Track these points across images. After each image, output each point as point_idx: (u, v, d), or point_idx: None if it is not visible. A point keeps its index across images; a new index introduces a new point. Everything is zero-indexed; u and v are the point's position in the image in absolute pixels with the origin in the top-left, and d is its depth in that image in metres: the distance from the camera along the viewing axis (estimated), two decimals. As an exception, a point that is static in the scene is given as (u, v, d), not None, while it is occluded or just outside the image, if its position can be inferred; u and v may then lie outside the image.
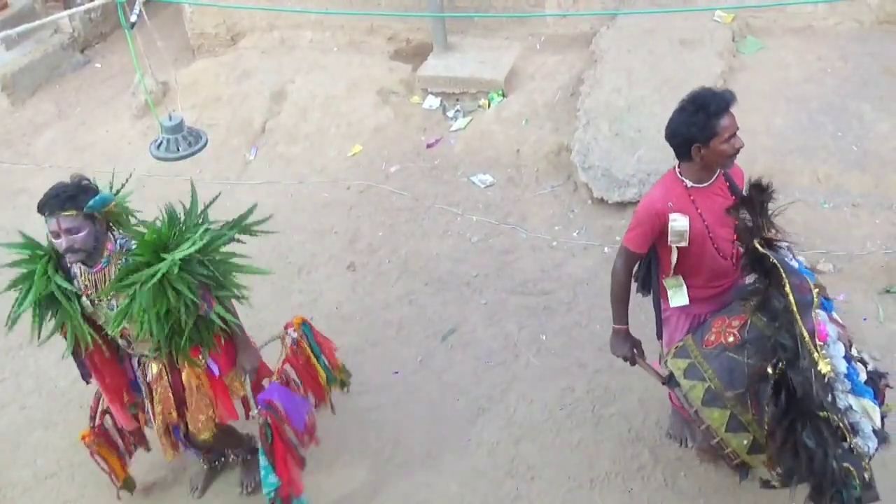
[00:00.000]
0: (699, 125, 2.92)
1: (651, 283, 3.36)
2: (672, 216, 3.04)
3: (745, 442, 2.97)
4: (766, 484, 3.14)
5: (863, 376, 2.86)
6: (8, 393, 4.64)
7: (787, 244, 2.95)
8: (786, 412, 2.77)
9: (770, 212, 2.93)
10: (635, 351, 3.43)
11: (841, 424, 2.73)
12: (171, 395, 3.38)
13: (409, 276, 5.05)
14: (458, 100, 6.38)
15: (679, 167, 3.09)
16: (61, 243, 3.02)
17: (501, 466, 3.90)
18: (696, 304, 3.24)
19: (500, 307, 4.73)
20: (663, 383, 3.32)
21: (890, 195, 4.91)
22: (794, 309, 2.74)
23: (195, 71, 7.04)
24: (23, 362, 4.83)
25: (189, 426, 3.44)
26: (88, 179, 3.13)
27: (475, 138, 6.01)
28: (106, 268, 3.13)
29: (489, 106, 6.23)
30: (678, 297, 3.22)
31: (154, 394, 3.41)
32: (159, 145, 3.68)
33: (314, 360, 3.68)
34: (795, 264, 2.92)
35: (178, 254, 2.96)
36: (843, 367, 2.79)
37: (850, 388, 2.79)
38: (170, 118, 3.64)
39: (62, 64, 7.88)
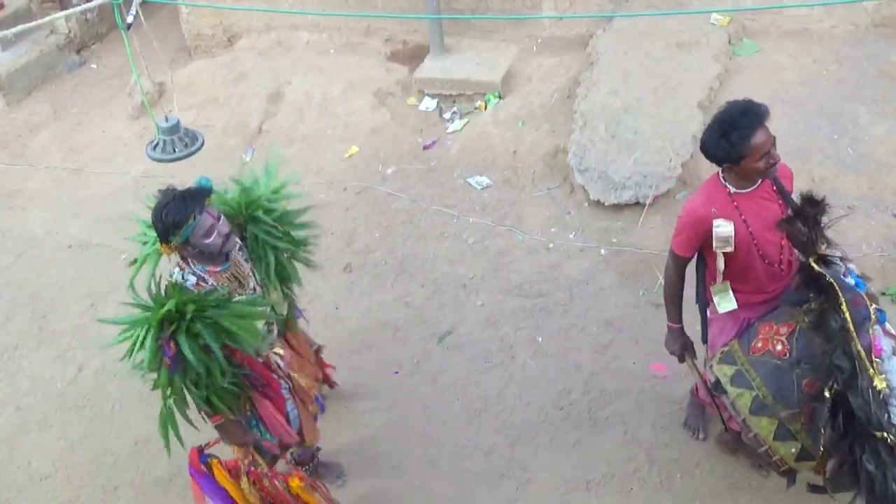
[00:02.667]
0: (727, 148, 2.87)
1: (701, 293, 3.35)
2: (716, 222, 3.01)
3: (794, 450, 2.96)
4: (815, 489, 3.09)
5: None
6: (3, 394, 4.63)
7: (839, 255, 2.91)
8: (844, 435, 2.75)
9: (823, 225, 2.90)
10: (686, 350, 3.43)
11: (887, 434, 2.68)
12: (302, 359, 3.45)
13: (405, 278, 5.05)
14: (454, 101, 6.38)
15: (722, 173, 3.05)
16: (217, 238, 2.88)
17: (498, 468, 3.90)
18: (744, 310, 3.22)
19: (497, 309, 4.74)
20: (708, 389, 3.32)
21: (885, 198, 4.93)
22: (851, 328, 2.71)
23: (192, 72, 7.04)
24: (18, 363, 4.82)
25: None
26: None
27: (472, 140, 6.01)
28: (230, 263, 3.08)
29: (486, 108, 6.23)
30: (725, 302, 3.20)
31: (294, 377, 3.38)
32: (155, 146, 3.68)
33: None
34: (850, 279, 2.88)
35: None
36: None
37: None
38: (166, 119, 3.63)
39: (58, 65, 7.87)
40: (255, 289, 3.17)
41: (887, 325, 2.90)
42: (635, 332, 4.44)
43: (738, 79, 5.66)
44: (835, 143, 5.14)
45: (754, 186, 3.02)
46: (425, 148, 6.08)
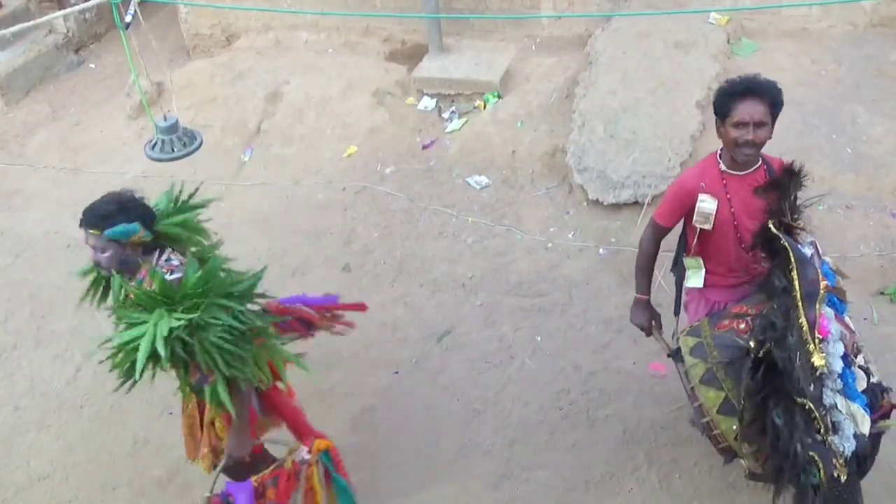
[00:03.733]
0: (722, 98, 2.94)
1: (679, 260, 3.38)
2: (701, 197, 3.06)
3: (735, 427, 2.96)
4: (752, 476, 3.13)
5: (861, 384, 2.85)
6: (2, 394, 4.63)
7: (811, 239, 2.93)
8: (761, 388, 2.78)
9: (798, 200, 2.93)
10: (653, 322, 3.44)
11: (818, 416, 2.71)
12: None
13: (404, 278, 5.05)
14: (453, 101, 6.38)
15: (721, 150, 3.09)
16: (91, 255, 3.01)
17: (496, 468, 3.90)
18: (716, 292, 3.26)
19: (496, 309, 4.74)
20: (668, 355, 3.36)
21: (883, 197, 4.93)
22: (798, 295, 2.72)
23: (190, 71, 7.03)
24: (17, 363, 4.81)
25: None
26: (135, 197, 3.07)
27: (470, 140, 6.01)
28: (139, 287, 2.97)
29: (484, 107, 6.23)
30: (694, 278, 3.24)
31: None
32: (154, 146, 3.68)
33: (319, 496, 3.29)
34: (817, 262, 2.89)
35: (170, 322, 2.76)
36: (838, 366, 2.77)
37: (842, 388, 2.78)
38: (165, 119, 3.64)
39: (56, 64, 7.86)
40: None
41: (846, 318, 2.91)
42: (634, 331, 4.41)
43: (737, 78, 5.65)
44: (833, 142, 5.14)
45: (747, 171, 3.03)
46: (424, 148, 6.08)
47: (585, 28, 6.48)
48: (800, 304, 2.72)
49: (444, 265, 5.10)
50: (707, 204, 3.06)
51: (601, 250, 5.04)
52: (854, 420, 2.76)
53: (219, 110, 6.61)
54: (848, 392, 2.80)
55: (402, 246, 5.29)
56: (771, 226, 2.86)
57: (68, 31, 8.03)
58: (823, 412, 2.72)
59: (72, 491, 4.06)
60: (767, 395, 2.79)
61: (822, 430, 2.72)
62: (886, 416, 3.01)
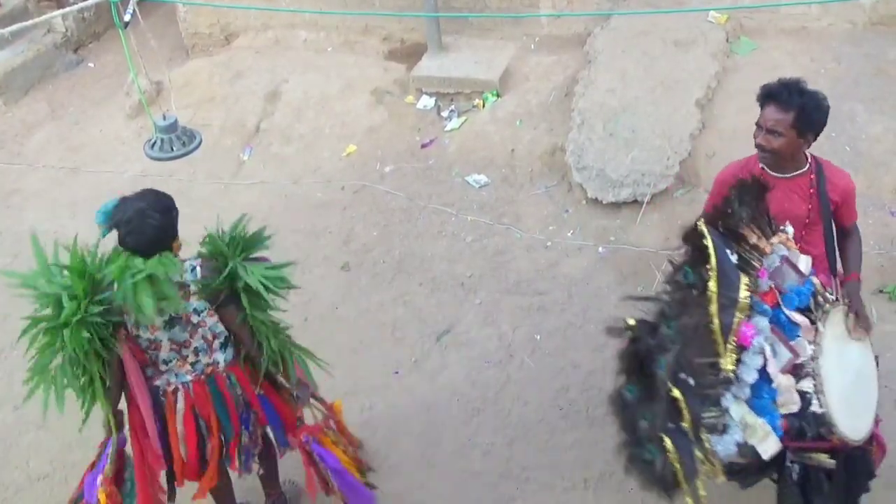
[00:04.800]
0: (758, 96, 2.96)
1: None
2: None
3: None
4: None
5: (791, 407, 2.80)
6: (1, 393, 4.64)
7: (783, 254, 2.86)
8: (628, 364, 2.94)
9: (761, 214, 2.87)
10: None
11: (684, 408, 2.71)
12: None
13: (403, 277, 5.05)
14: (452, 100, 6.38)
15: None
16: None
17: (496, 467, 3.90)
18: None
19: (495, 307, 4.74)
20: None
21: (882, 196, 4.93)
22: (713, 297, 2.71)
23: (189, 71, 7.03)
24: (15, 362, 4.81)
25: None
26: (163, 201, 2.97)
27: (470, 138, 6.01)
28: None
29: (484, 106, 6.23)
30: None
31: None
32: (153, 145, 3.68)
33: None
34: (791, 277, 2.84)
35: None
36: (749, 377, 2.74)
37: (749, 398, 2.76)
38: (164, 118, 3.64)
39: (55, 63, 7.85)
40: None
41: (794, 342, 2.82)
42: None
43: (736, 77, 5.65)
44: (832, 141, 5.14)
45: (787, 175, 3.00)
46: (423, 146, 6.08)
47: (584, 27, 6.47)
48: (713, 306, 2.71)
49: (443, 264, 5.09)
50: None
51: (600, 249, 5.03)
52: (747, 431, 2.74)
53: (218, 109, 6.61)
54: (756, 404, 2.77)
55: (402, 245, 5.29)
56: (700, 224, 2.82)
57: (67, 31, 8.02)
58: (712, 413, 2.73)
59: (71, 490, 4.05)
60: (631, 370, 2.93)
61: (687, 422, 2.74)
62: (834, 450, 2.95)
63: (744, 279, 2.77)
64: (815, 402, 2.82)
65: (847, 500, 3.12)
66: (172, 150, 3.64)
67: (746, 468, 3.01)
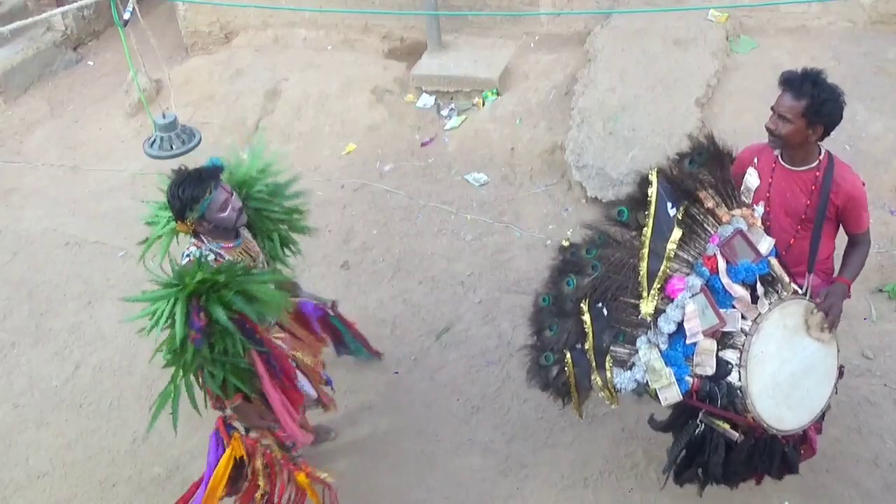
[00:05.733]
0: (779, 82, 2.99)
1: None
2: (749, 170, 3.10)
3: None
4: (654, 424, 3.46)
5: (706, 370, 2.89)
6: (0, 392, 4.63)
7: (738, 227, 2.92)
8: (555, 281, 3.27)
9: (723, 183, 2.97)
10: None
11: (590, 333, 3.03)
12: (304, 346, 3.48)
13: (403, 275, 5.05)
14: (452, 98, 6.38)
15: None
16: (232, 208, 3.03)
17: (495, 465, 3.90)
18: None
19: (494, 306, 4.74)
20: None
21: (882, 195, 4.93)
22: (647, 242, 2.92)
23: (189, 69, 7.03)
24: (15, 361, 4.81)
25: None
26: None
27: (469, 137, 6.01)
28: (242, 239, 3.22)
29: (483, 105, 6.23)
30: None
31: (298, 356, 3.41)
32: (153, 143, 3.67)
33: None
34: (745, 250, 2.90)
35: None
36: (668, 328, 2.88)
37: (663, 345, 2.90)
38: (163, 116, 3.63)
39: (55, 62, 7.85)
40: (265, 263, 3.28)
41: (724, 310, 2.88)
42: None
43: (736, 76, 5.66)
44: (832, 139, 5.05)
45: (798, 167, 3.02)
46: (423, 145, 6.08)
47: (584, 25, 6.47)
48: (646, 250, 2.92)
49: (442, 262, 5.10)
50: (751, 178, 3.11)
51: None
52: (651, 375, 2.90)
53: (217, 108, 6.61)
54: (669, 354, 2.90)
55: (401, 243, 5.29)
56: (652, 173, 2.97)
57: (66, 29, 8.01)
58: (625, 349, 2.98)
59: (71, 488, 4.06)
60: (552, 282, 3.26)
61: (589, 346, 3.05)
62: (750, 430, 3.03)
63: (676, 232, 2.90)
64: (735, 374, 2.91)
65: (734, 475, 3.22)
66: (172, 148, 3.64)
67: (668, 420, 3.34)
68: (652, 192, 2.95)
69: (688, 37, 5.84)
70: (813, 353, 3.00)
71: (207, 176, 2.96)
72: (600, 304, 3.07)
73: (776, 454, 3.16)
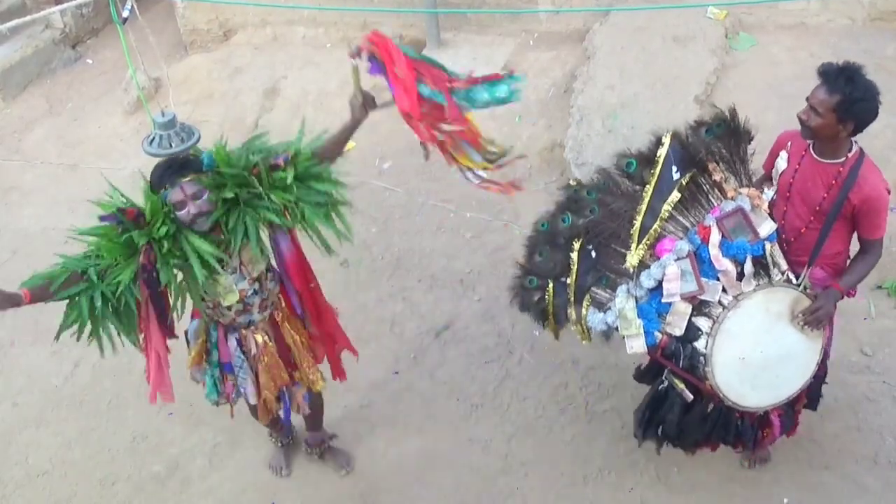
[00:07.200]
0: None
1: None
2: (782, 154, 3.14)
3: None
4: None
5: (674, 329, 3.02)
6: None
7: (739, 205, 2.99)
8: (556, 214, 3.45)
9: (735, 159, 3.05)
10: None
11: (574, 271, 3.20)
12: (279, 360, 3.39)
13: (402, 273, 5.05)
14: (451, 96, 6.36)
15: None
16: (188, 211, 2.88)
17: (495, 463, 3.91)
18: None
19: (494, 304, 4.73)
20: None
21: (881, 192, 4.92)
22: (647, 197, 3.05)
23: (187, 67, 7.02)
24: (14, 359, 4.81)
25: (304, 385, 3.52)
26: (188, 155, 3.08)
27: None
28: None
29: (482, 102, 6.21)
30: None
31: (260, 365, 3.35)
32: (152, 141, 3.67)
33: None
34: (744, 230, 2.96)
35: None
36: (648, 283, 3.04)
37: (640, 298, 3.04)
38: (162, 114, 3.63)
39: (53, 60, 7.84)
40: (240, 268, 3.14)
41: (707, 280, 2.97)
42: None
43: (735, 73, 5.65)
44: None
45: (825, 160, 2.99)
46: (422, 143, 6.06)
47: (583, 23, 6.46)
48: (644, 206, 3.05)
49: (442, 260, 5.09)
50: (781, 161, 3.14)
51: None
52: (622, 322, 3.07)
53: (216, 106, 6.60)
54: (643, 307, 3.05)
55: (401, 241, 5.29)
56: (666, 135, 3.08)
57: (65, 27, 8.00)
58: (606, 293, 3.15)
59: (70, 487, 4.06)
60: (554, 214, 3.43)
61: (571, 282, 3.24)
62: (708, 397, 3.20)
63: (675, 195, 3.02)
64: (703, 341, 3.03)
65: (685, 436, 3.38)
66: (171, 146, 3.63)
67: (643, 371, 3.58)
68: (661, 152, 3.06)
69: (687, 34, 5.84)
70: (793, 342, 3.07)
71: (170, 172, 2.89)
72: (590, 246, 3.22)
73: (731, 425, 3.30)
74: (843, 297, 3.10)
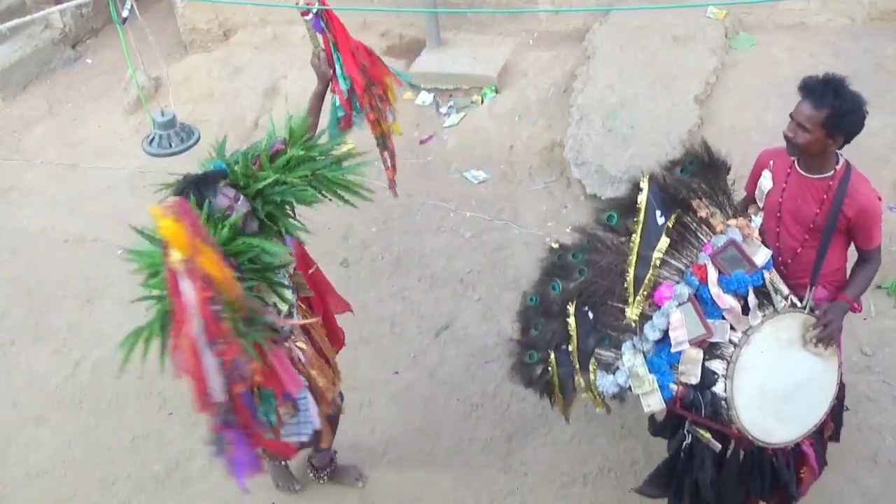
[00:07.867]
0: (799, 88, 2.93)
1: None
2: (765, 173, 3.06)
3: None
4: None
5: (690, 378, 2.85)
6: (0, 389, 4.63)
7: (731, 238, 2.86)
8: (544, 281, 3.34)
9: (717, 192, 2.95)
10: None
11: (573, 336, 3.05)
12: (322, 361, 3.31)
13: (402, 273, 5.05)
14: (451, 96, 6.37)
15: None
16: (238, 213, 2.84)
17: (495, 462, 3.91)
18: None
19: (494, 303, 4.74)
20: None
21: (881, 191, 4.84)
22: (636, 248, 2.91)
23: (187, 66, 7.02)
24: (14, 359, 4.81)
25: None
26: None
27: (468, 134, 6.00)
28: None
29: (482, 102, 6.22)
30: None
31: (313, 375, 3.24)
32: (151, 141, 3.67)
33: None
34: (741, 262, 2.83)
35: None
36: (653, 335, 2.86)
37: (648, 352, 2.89)
38: (162, 114, 3.63)
39: (53, 59, 7.84)
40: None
41: (711, 320, 2.82)
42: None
43: (735, 73, 5.65)
44: (831, 136, 5.14)
45: (813, 175, 2.94)
46: (421, 142, 6.07)
47: (583, 22, 6.46)
48: (633, 258, 2.90)
49: (442, 260, 5.09)
50: (765, 181, 3.05)
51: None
52: (634, 380, 2.88)
53: (216, 105, 6.60)
54: (653, 361, 2.88)
55: (400, 241, 5.29)
56: (643, 180, 2.96)
57: (65, 27, 8.00)
58: (611, 353, 2.98)
59: (70, 486, 4.06)
60: (541, 283, 3.32)
61: (573, 349, 3.07)
62: (737, 442, 3.00)
63: (664, 241, 2.87)
64: (720, 384, 2.86)
65: (725, 492, 3.10)
66: (171, 146, 3.63)
67: (661, 425, 3.33)
68: (642, 198, 2.93)
69: (686, 34, 5.84)
70: (809, 367, 2.92)
71: (205, 184, 2.84)
72: (586, 308, 3.07)
73: (766, 469, 3.06)
74: (850, 310, 3.02)
